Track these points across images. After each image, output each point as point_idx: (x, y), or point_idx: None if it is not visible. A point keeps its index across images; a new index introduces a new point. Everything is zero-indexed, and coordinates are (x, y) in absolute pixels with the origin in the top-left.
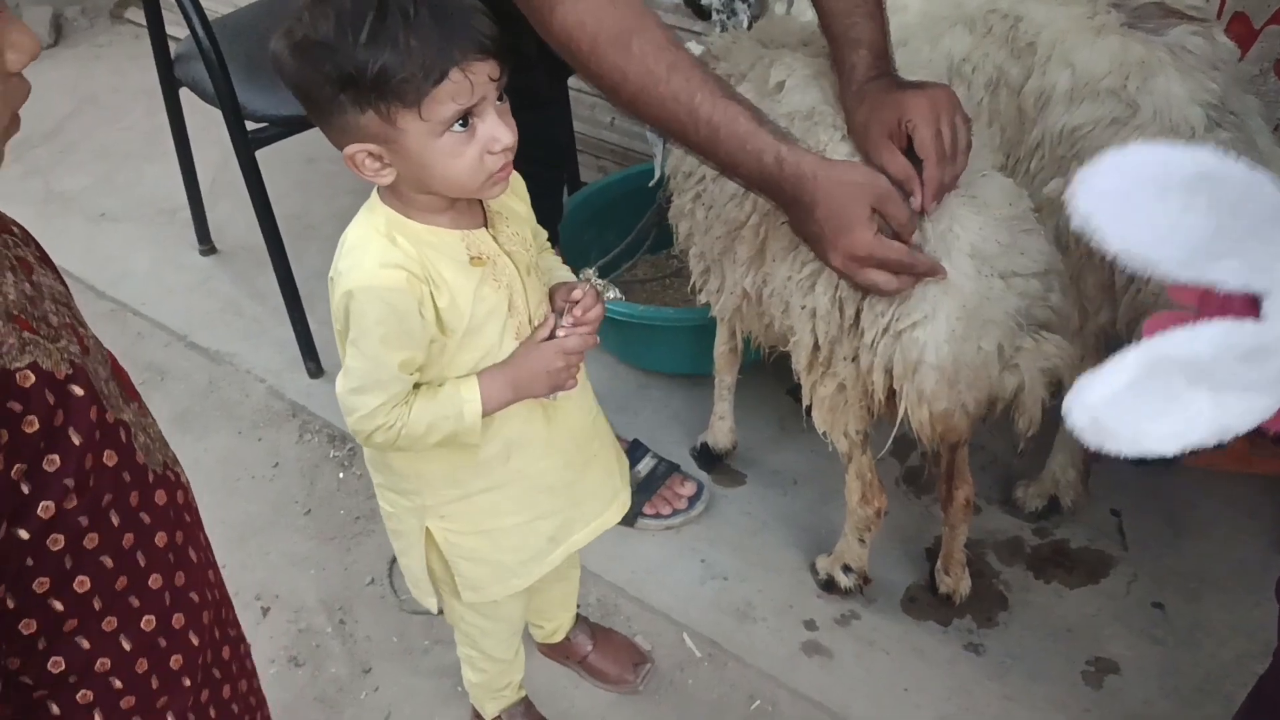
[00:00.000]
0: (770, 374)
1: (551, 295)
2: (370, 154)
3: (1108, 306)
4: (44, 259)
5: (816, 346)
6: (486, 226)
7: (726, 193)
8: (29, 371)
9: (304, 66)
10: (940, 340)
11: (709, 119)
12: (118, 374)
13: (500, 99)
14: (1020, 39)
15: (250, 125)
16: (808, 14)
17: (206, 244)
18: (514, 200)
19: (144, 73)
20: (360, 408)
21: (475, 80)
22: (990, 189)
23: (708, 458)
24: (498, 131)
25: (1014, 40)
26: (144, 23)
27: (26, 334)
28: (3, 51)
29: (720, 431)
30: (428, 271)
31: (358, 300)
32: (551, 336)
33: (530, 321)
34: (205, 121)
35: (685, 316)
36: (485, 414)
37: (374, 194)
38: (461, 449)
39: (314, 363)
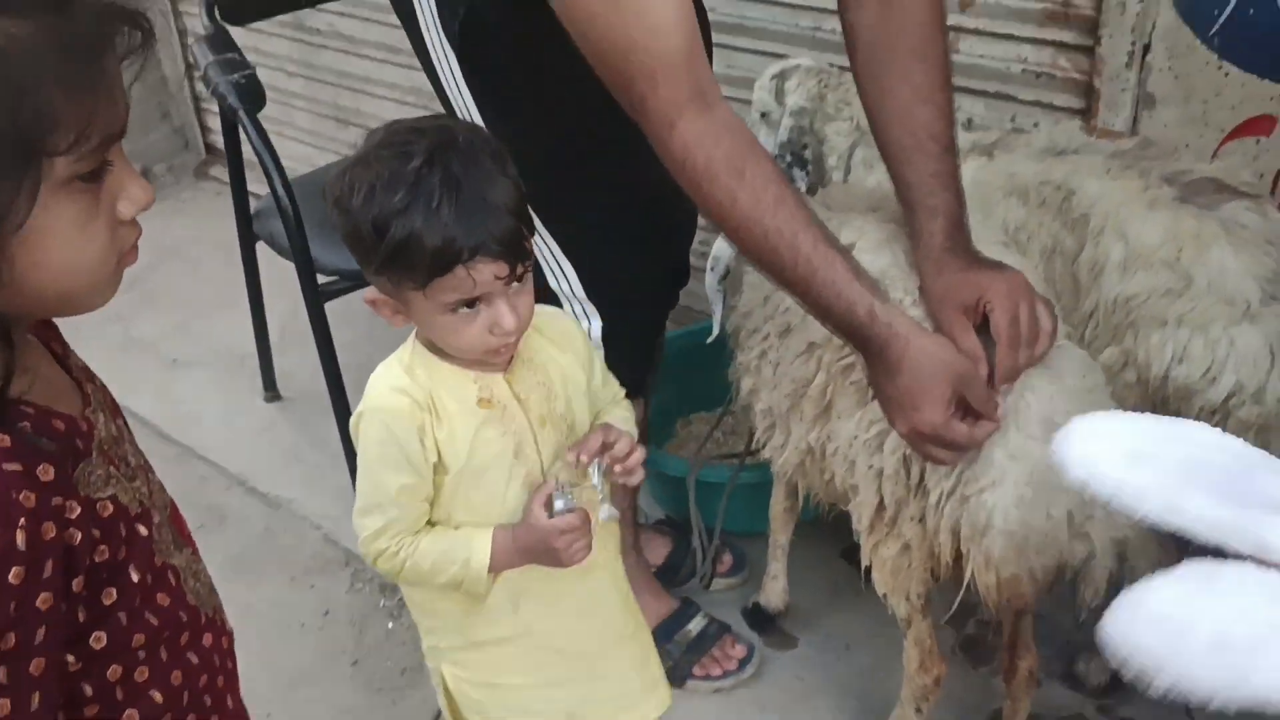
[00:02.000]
0: (825, 535)
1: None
2: (389, 305)
3: None
4: (120, 412)
5: (881, 506)
6: (507, 371)
7: (793, 350)
8: (109, 503)
9: (340, 219)
10: (1009, 504)
11: (808, 259)
12: (174, 520)
13: (521, 280)
14: (1074, 210)
15: (321, 279)
16: (869, 180)
17: (272, 391)
18: (555, 349)
19: (223, 227)
20: (363, 529)
21: (479, 278)
22: (1064, 359)
23: (760, 618)
24: (502, 317)
25: (1067, 212)
26: (226, 180)
27: (112, 469)
28: (117, 199)
29: (773, 591)
30: (431, 402)
31: (364, 421)
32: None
33: (542, 472)
34: (278, 274)
35: (740, 476)
36: (494, 569)
37: (410, 344)
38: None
39: None
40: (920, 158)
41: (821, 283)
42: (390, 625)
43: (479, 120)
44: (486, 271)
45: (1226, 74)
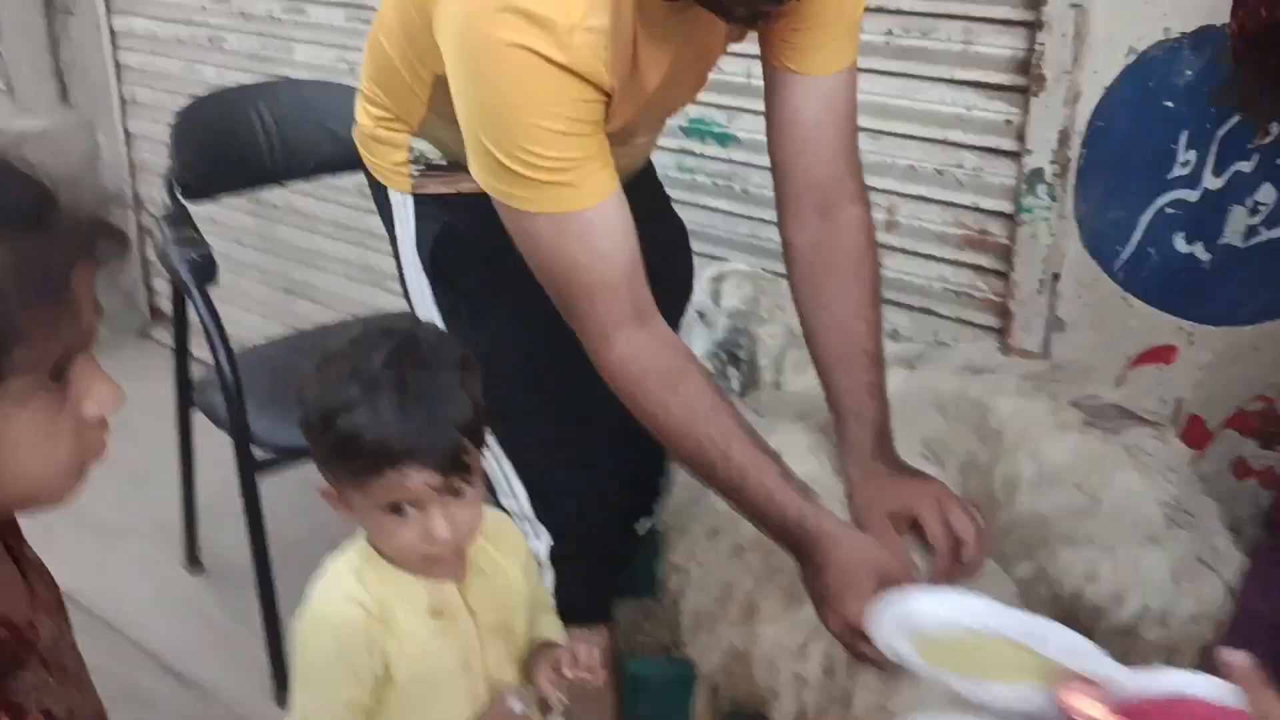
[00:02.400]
0: None
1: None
2: (333, 495)
3: None
4: (63, 609)
5: (803, 714)
6: (460, 580)
7: (722, 552)
8: (41, 716)
9: (300, 407)
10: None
11: (740, 466)
12: None
13: (461, 494)
14: (989, 426)
15: (257, 454)
16: (799, 383)
17: (196, 564)
18: (503, 556)
19: (161, 390)
20: None
21: (410, 484)
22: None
23: None
24: (435, 527)
25: (983, 427)
26: (168, 343)
27: (48, 676)
28: (83, 399)
29: None
30: (384, 612)
31: (313, 630)
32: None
33: (486, 684)
34: (212, 442)
35: (665, 669)
36: None
37: (358, 543)
38: None
39: (284, 691)
40: (851, 368)
41: (753, 488)
42: None
43: (440, 325)
44: (417, 479)
45: (1131, 305)
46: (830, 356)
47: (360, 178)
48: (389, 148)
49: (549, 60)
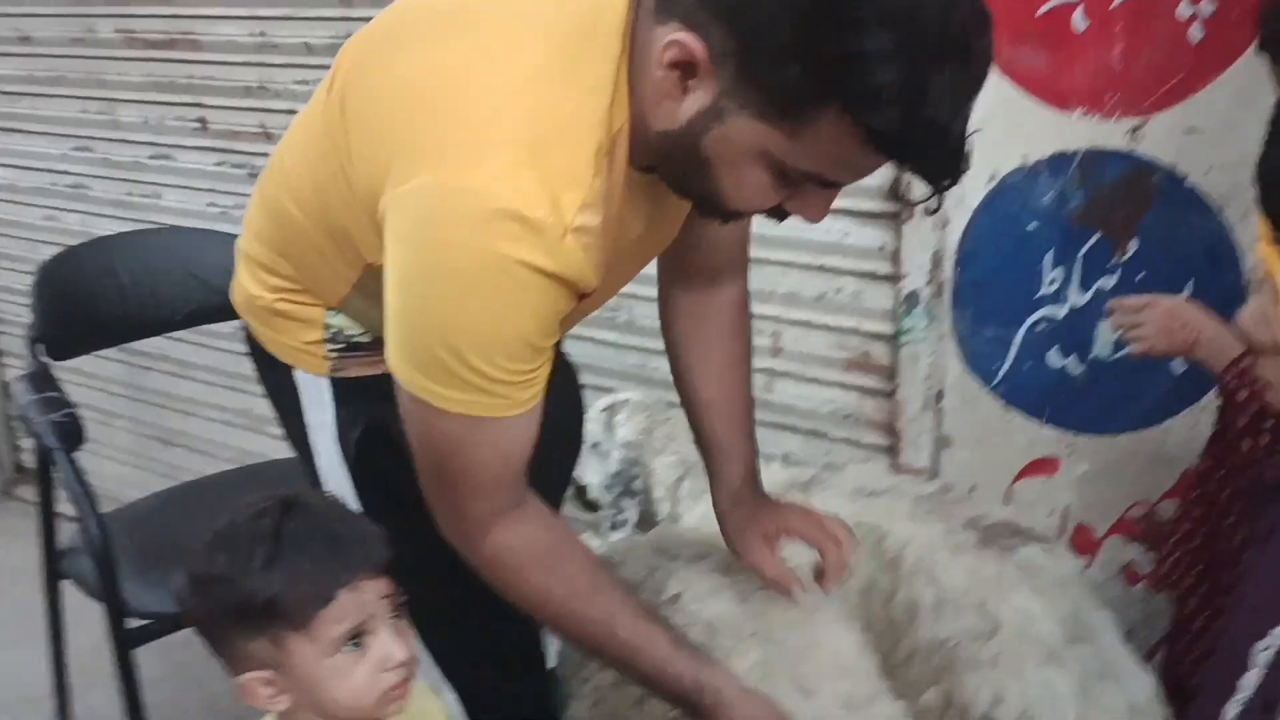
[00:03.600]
0: None
1: None
2: (264, 681)
3: None
4: None
5: None
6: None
7: (627, 699)
8: None
9: (201, 602)
10: None
11: (628, 641)
12: None
13: (397, 616)
14: (887, 552)
15: (131, 622)
16: (695, 511)
17: None
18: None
19: (25, 551)
20: None
21: (365, 599)
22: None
23: None
24: (391, 648)
25: (881, 554)
26: (31, 501)
27: None
28: None
29: None
30: None
31: None
32: None
33: None
34: (84, 603)
35: None
36: None
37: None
38: None
39: None
40: (728, 413)
41: (644, 662)
42: None
43: None
44: (371, 590)
45: (1012, 419)
46: (707, 398)
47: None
48: (297, 324)
49: (539, 270)
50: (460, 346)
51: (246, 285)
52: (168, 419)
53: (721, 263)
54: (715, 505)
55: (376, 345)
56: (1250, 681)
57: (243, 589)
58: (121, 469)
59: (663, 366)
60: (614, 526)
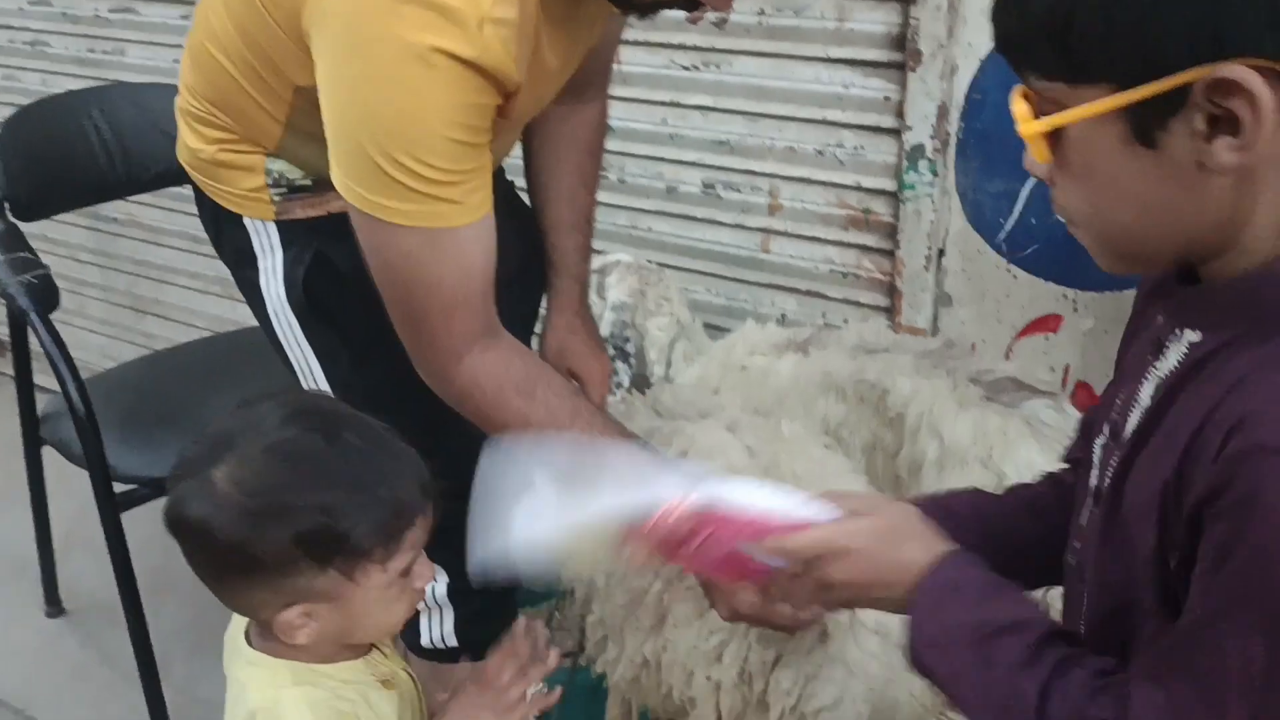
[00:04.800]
0: None
1: None
2: (305, 615)
3: None
4: None
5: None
6: (371, 648)
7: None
8: None
9: (257, 530)
10: None
11: None
12: None
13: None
14: (890, 409)
15: (117, 487)
16: (686, 375)
17: (55, 604)
18: None
19: (4, 424)
20: None
21: (419, 534)
22: None
23: None
24: (428, 575)
25: (884, 410)
26: (8, 373)
27: None
28: None
29: None
30: (358, 707)
31: None
32: None
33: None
34: (62, 472)
35: (572, 678)
36: None
37: (248, 649)
38: None
39: None
40: (575, 232)
41: None
42: None
43: (315, 364)
44: (430, 518)
45: (1015, 276)
46: (558, 219)
47: None
48: (238, 172)
49: (456, 58)
50: (390, 146)
51: (188, 141)
52: (140, 286)
53: (588, 79)
54: (547, 321)
55: (318, 187)
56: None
57: (324, 519)
58: (95, 338)
59: (656, 226)
60: (609, 391)
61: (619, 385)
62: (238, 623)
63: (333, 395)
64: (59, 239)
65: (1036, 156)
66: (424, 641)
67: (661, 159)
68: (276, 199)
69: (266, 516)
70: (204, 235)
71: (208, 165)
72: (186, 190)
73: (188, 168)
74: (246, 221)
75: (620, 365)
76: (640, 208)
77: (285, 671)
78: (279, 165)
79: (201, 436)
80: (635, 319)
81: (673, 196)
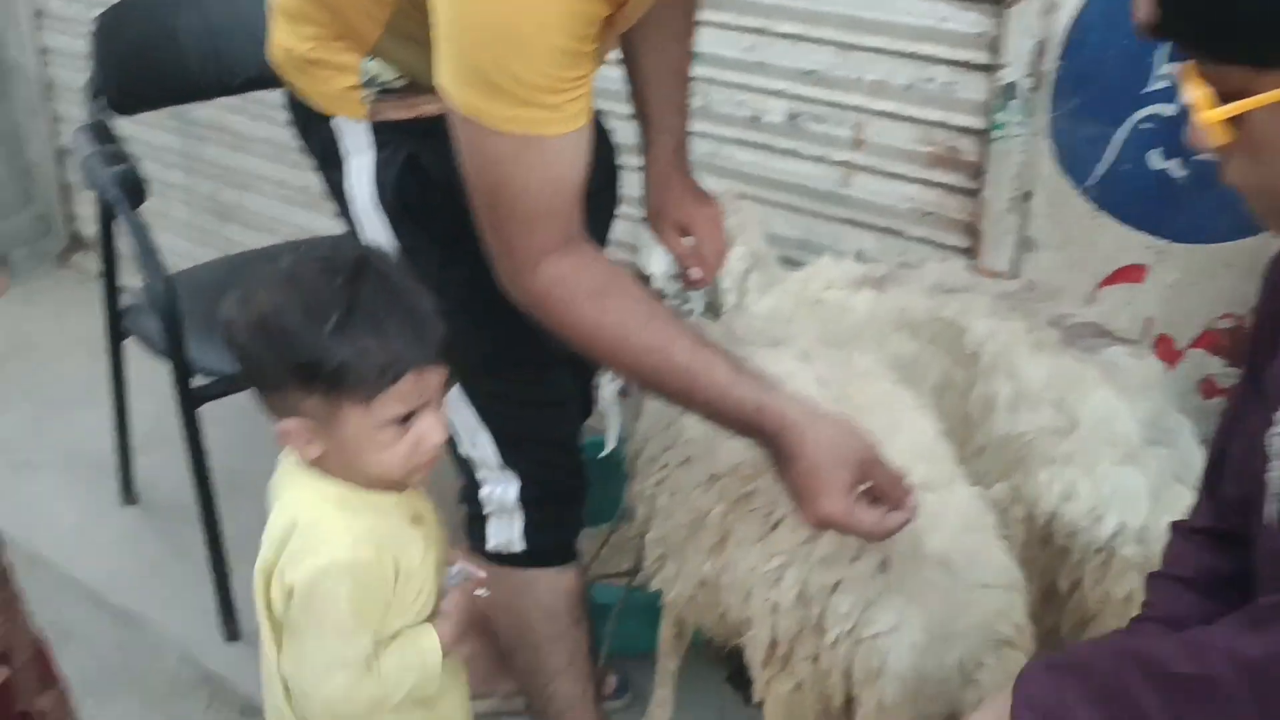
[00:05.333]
0: (712, 658)
1: None
2: (304, 429)
3: (1050, 613)
4: None
5: (775, 642)
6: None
7: (693, 480)
8: None
9: (259, 345)
10: (904, 650)
11: (686, 368)
12: (39, 658)
13: (441, 400)
14: (964, 348)
15: (195, 381)
16: (763, 303)
17: (131, 497)
18: None
19: (83, 319)
20: (326, 692)
21: (426, 385)
22: (958, 500)
23: None
24: (432, 432)
25: (958, 349)
26: (88, 269)
27: None
28: None
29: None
30: (390, 540)
31: (329, 579)
32: None
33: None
34: (140, 372)
35: (628, 597)
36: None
37: (296, 469)
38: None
39: (232, 624)
40: (666, 85)
41: (704, 389)
42: None
43: None
44: (433, 379)
45: (1102, 223)
46: (650, 71)
47: None
48: (332, 72)
49: None
50: (499, 52)
51: (282, 40)
52: (224, 192)
53: None
54: (645, 179)
55: (411, 90)
56: (1275, 475)
57: (311, 350)
58: (177, 241)
59: (737, 155)
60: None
61: (690, 312)
62: (288, 454)
63: None
64: (146, 140)
65: (1214, 140)
66: (490, 545)
67: (747, 87)
68: (368, 100)
69: (265, 334)
70: (288, 143)
71: (300, 64)
72: (273, 97)
73: (278, 67)
74: (336, 122)
75: (693, 293)
76: (722, 135)
77: (331, 490)
78: (373, 66)
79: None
80: None
81: (756, 126)
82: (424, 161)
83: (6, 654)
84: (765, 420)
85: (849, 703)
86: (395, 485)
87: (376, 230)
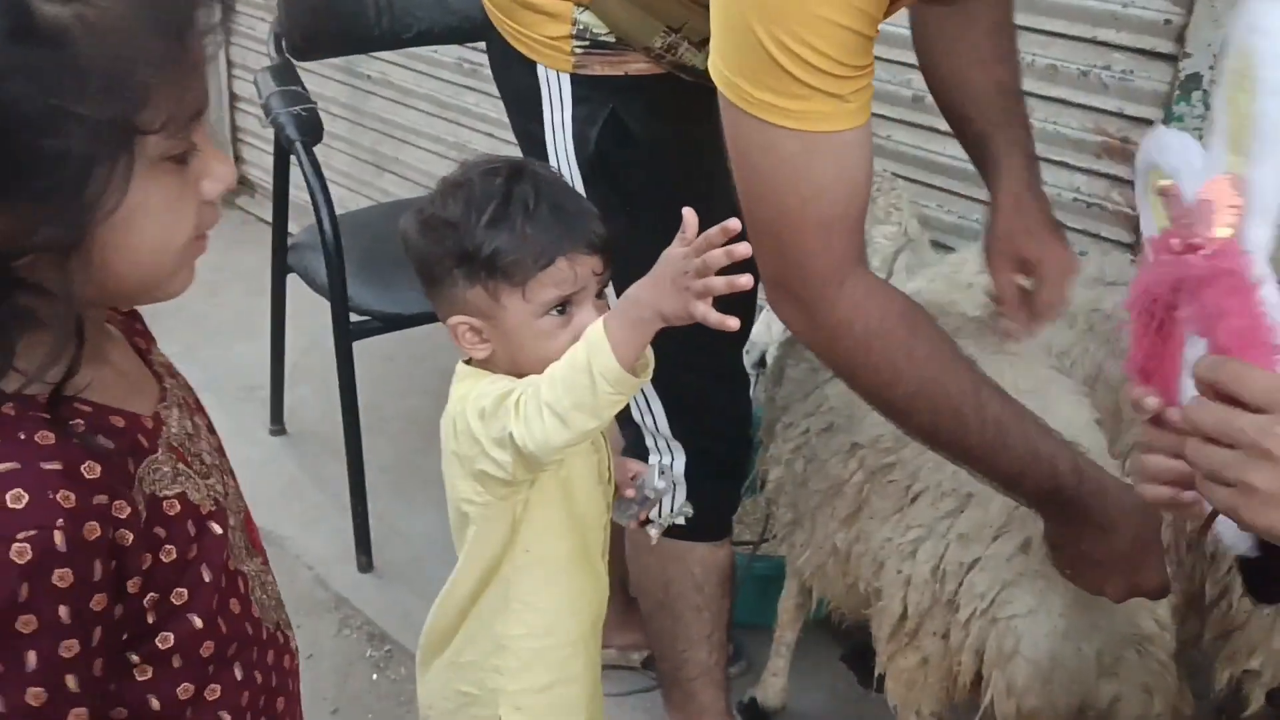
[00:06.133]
0: (829, 635)
1: None
2: (471, 328)
3: (1194, 619)
4: (201, 410)
5: (904, 615)
6: None
7: (831, 448)
8: (176, 501)
9: (427, 241)
10: (1040, 634)
11: (997, 418)
12: (248, 526)
13: (601, 295)
14: (1121, 342)
15: (353, 318)
16: (909, 285)
17: (279, 425)
18: None
19: (244, 257)
20: (509, 415)
21: (579, 271)
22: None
23: (755, 714)
24: (587, 320)
25: (1114, 342)
26: (253, 211)
27: (181, 465)
28: (201, 179)
29: (772, 689)
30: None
31: (482, 385)
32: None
33: (609, 463)
34: (301, 309)
35: (752, 567)
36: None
37: (461, 367)
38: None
39: (366, 556)
40: (1002, 100)
41: (1015, 444)
42: (374, 676)
43: None
44: (586, 265)
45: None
46: (976, 89)
47: (461, 52)
48: (544, 18)
49: None
50: (783, 29)
51: None
52: (384, 145)
53: None
54: (994, 204)
55: (621, 45)
56: None
57: (470, 238)
58: (336, 190)
59: (894, 134)
60: None
61: None
62: (460, 367)
63: None
64: (315, 90)
65: None
66: (652, 513)
67: (911, 65)
68: (578, 50)
69: (429, 228)
70: (449, 100)
71: (513, 5)
72: (438, 55)
73: (489, 3)
74: (540, 70)
75: None
76: (883, 114)
77: (500, 382)
78: (586, 17)
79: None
80: None
81: (918, 106)
82: (627, 121)
83: (223, 512)
84: (1083, 485)
85: (975, 684)
86: None
87: (570, 178)
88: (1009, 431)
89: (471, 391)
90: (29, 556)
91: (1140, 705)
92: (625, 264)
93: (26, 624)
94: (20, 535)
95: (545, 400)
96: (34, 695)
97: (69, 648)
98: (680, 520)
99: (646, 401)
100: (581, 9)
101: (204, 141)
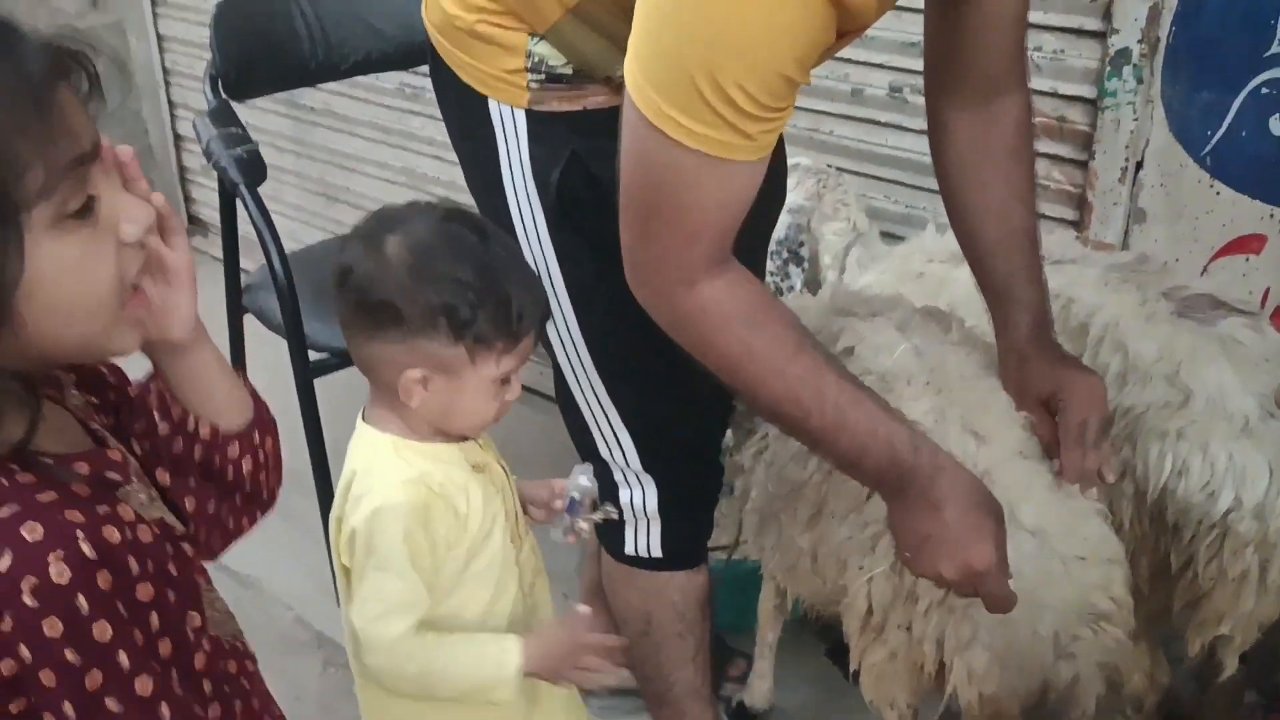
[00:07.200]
0: (810, 631)
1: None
2: (422, 380)
3: (1161, 590)
4: None
5: (870, 610)
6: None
7: (789, 450)
8: (154, 526)
9: (417, 284)
10: (996, 620)
11: (836, 404)
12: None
13: None
14: (1073, 319)
15: (311, 355)
16: (861, 279)
17: None
18: None
19: (202, 294)
20: (385, 634)
21: (523, 350)
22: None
23: (743, 718)
24: (516, 390)
25: (1066, 320)
26: (205, 250)
27: (152, 491)
28: (117, 225)
29: (758, 691)
30: (444, 484)
31: (383, 519)
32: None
33: (518, 522)
34: (257, 349)
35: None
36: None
37: (361, 423)
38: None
39: None
40: (1012, 252)
41: (853, 424)
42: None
43: (554, 266)
44: (527, 344)
45: (1218, 193)
46: (991, 240)
47: (402, 77)
48: (496, 49)
49: None
50: (720, 70)
51: (445, 3)
52: (331, 175)
53: (998, 70)
54: (1002, 363)
55: (579, 79)
56: None
57: (486, 300)
58: (288, 223)
59: (836, 128)
60: (778, 294)
61: (790, 289)
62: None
63: (569, 300)
64: (259, 126)
65: None
66: (628, 550)
67: (848, 60)
68: (533, 85)
69: (425, 278)
70: (394, 126)
71: (461, 35)
72: (380, 82)
73: (435, 31)
74: (492, 105)
75: (794, 269)
76: (823, 110)
77: (386, 443)
78: (542, 49)
79: (369, 217)
80: (811, 223)
81: (858, 100)
82: (588, 162)
83: (188, 534)
84: (919, 460)
85: (941, 671)
86: (460, 437)
87: (531, 228)
88: (846, 414)
89: (379, 498)
90: (69, 574)
91: (1100, 684)
92: (594, 313)
93: (102, 632)
94: (51, 559)
95: (430, 670)
96: (142, 686)
97: (137, 638)
98: (601, 519)
99: (615, 436)
100: (536, 39)
101: (107, 187)
